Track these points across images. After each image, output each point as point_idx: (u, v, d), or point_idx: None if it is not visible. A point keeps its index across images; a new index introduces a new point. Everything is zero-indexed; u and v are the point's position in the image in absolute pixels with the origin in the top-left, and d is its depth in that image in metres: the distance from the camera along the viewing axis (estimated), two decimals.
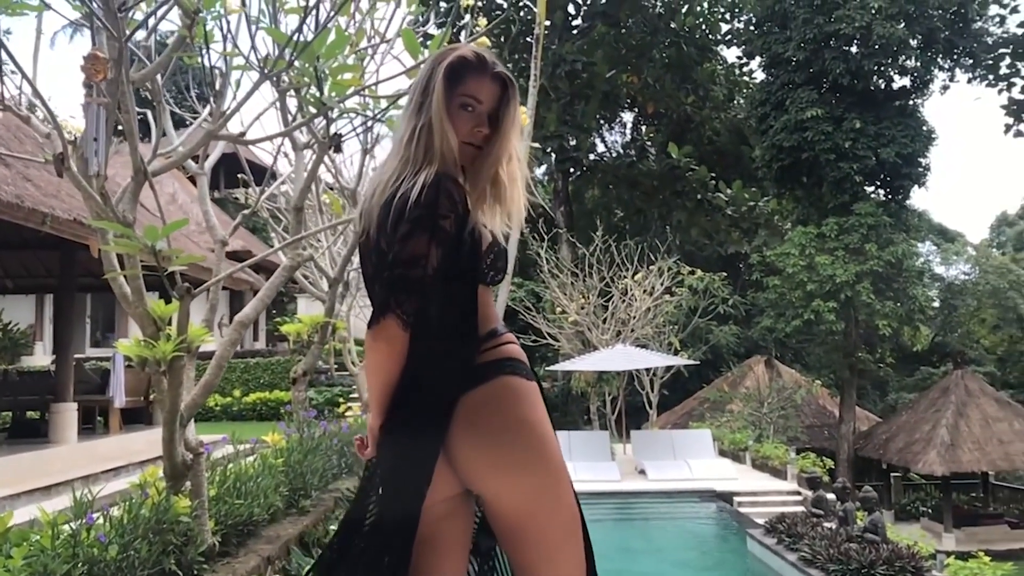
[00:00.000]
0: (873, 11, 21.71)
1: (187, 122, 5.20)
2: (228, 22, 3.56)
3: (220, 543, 3.85)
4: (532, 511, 1.72)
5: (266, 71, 3.22)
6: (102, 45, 2.97)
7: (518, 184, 1.85)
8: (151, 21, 3.32)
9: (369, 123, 4.65)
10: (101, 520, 3.20)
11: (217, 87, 3.66)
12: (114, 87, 2.93)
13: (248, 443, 5.80)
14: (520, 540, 1.76)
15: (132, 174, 3.24)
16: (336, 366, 15.99)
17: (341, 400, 17.88)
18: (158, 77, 3.62)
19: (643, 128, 33.95)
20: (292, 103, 4.05)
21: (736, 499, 13.41)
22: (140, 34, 3.34)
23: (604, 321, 20.63)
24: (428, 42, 3.57)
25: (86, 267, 10.29)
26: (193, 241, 13.00)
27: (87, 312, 18.95)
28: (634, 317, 20.24)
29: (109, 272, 3.33)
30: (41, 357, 20.19)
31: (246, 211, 4.59)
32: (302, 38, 3.04)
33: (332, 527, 5.20)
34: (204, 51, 3.38)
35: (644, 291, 20.20)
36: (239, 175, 6.90)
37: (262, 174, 6.38)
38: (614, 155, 32.72)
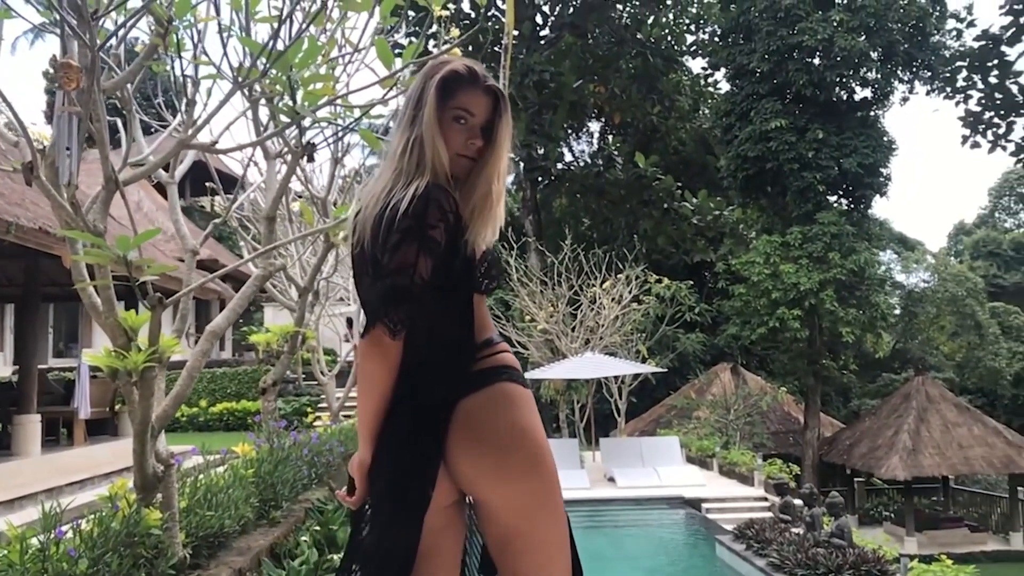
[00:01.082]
0: (835, 24, 22.14)
1: (152, 129, 5.17)
2: (199, 31, 3.56)
3: (191, 555, 3.81)
4: (530, 517, 1.72)
5: (240, 80, 3.21)
6: (73, 53, 2.95)
7: (503, 202, 1.87)
8: (123, 30, 3.29)
9: (340, 132, 4.65)
10: (71, 534, 3.15)
11: (189, 96, 3.64)
12: (86, 96, 2.90)
13: (218, 454, 5.75)
14: (514, 547, 1.74)
15: (102, 183, 3.21)
16: (304, 375, 15.89)
17: (309, 409, 17.76)
18: (128, 85, 3.59)
19: (610, 138, 34.22)
20: (262, 112, 4.05)
21: (704, 505, 13.48)
22: (111, 42, 3.32)
23: (573, 329, 20.70)
24: (400, 51, 3.57)
25: (50, 276, 10.11)
26: (159, 250, 12.84)
27: (50, 322, 18.60)
28: (602, 325, 20.33)
29: (79, 282, 3.29)
30: (0, 368, 19.80)
31: (217, 220, 4.57)
32: (275, 48, 3.04)
33: (303, 538, 5.17)
34: (175, 60, 3.37)
35: (612, 299, 20.31)
36: (207, 183, 6.84)
37: (229, 182, 6.35)
38: (582, 164, 32.92)
